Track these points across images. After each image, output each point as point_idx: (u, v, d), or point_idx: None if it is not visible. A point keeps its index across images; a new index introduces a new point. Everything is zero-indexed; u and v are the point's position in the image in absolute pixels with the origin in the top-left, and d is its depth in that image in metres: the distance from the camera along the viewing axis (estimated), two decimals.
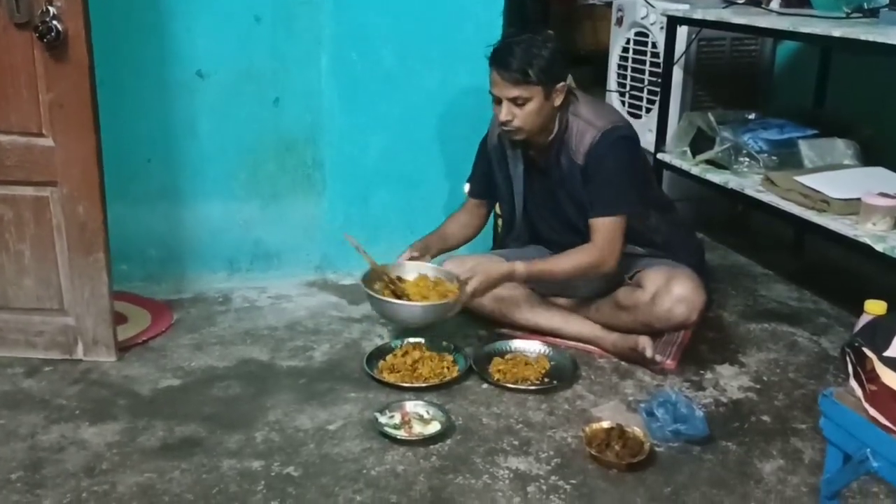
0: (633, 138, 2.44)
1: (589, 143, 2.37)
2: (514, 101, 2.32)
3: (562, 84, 2.36)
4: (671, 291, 2.36)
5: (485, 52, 2.37)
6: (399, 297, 2.41)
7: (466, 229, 2.71)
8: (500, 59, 2.32)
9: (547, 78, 2.31)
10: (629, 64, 3.72)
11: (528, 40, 2.31)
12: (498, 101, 2.36)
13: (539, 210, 2.59)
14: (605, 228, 2.36)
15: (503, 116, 2.35)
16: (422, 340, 2.44)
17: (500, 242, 2.76)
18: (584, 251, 2.38)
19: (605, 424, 2.06)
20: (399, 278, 2.50)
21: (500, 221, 2.83)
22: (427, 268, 2.54)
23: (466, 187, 2.71)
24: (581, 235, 2.42)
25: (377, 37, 2.82)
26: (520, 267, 2.39)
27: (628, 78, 3.74)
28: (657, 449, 2.02)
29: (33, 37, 2.11)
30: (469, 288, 2.35)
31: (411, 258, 2.55)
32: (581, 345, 2.52)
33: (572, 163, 2.41)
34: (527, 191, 2.57)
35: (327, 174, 2.95)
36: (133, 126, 2.72)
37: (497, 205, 2.75)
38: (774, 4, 3.15)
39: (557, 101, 2.37)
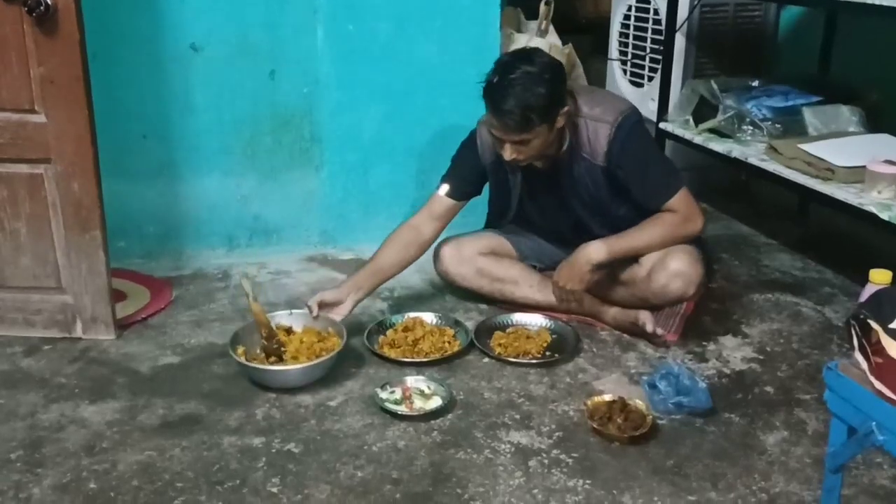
0: (641, 120, 2.38)
1: (606, 142, 2.29)
2: (519, 142, 2.22)
3: (565, 109, 2.23)
4: (667, 266, 2.32)
5: (477, 86, 2.22)
6: (271, 356, 2.19)
7: (412, 250, 2.42)
8: (496, 107, 2.17)
9: (549, 116, 2.19)
10: (631, 32, 3.66)
11: (524, 78, 2.14)
12: (500, 140, 2.25)
13: (541, 214, 2.54)
14: (677, 204, 2.30)
15: (508, 156, 2.24)
16: (422, 315, 2.44)
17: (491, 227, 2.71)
18: (665, 216, 2.31)
19: (607, 397, 2.06)
20: (289, 330, 2.30)
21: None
22: (323, 319, 2.30)
23: (444, 188, 2.45)
24: (588, 236, 2.37)
25: (373, 7, 2.77)
26: (597, 247, 2.30)
27: (630, 46, 3.69)
28: (659, 421, 2.01)
29: (22, 11, 2.08)
30: (555, 277, 2.35)
31: (321, 305, 2.31)
32: (582, 317, 2.50)
33: (591, 165, 2.33)
34: (525, 196, 2.50)
35: (325, 148, 2.91)
36: (127, 101, 2.70)
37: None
38: None
39: (562, 123, 2.26)
